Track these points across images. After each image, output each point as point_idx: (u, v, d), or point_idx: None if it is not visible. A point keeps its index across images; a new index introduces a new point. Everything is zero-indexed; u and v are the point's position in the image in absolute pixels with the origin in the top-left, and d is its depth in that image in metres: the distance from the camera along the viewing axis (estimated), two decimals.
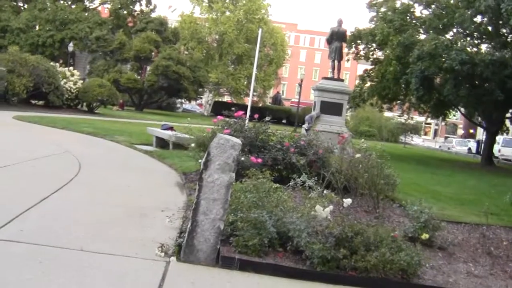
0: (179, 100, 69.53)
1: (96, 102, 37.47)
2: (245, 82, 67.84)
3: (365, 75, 36.29)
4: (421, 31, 31.60)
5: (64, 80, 35.61)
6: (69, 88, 35.92)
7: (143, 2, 62.97)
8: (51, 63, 36.09)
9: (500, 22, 27.55)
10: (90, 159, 13.10)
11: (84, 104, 38.71)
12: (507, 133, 44.64)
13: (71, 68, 40.83)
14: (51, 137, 17.70)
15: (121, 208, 7.92)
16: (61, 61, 45.42)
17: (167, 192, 9.87)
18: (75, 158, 12.60)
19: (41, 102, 35.44)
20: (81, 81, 38.53)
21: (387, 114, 59.06)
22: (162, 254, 5.81)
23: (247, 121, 12.90)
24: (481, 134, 54.22)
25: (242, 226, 6.21)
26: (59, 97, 34.22)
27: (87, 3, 63.38)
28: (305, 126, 20.54)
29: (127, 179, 10.85)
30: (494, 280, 6.54)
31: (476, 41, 31.04)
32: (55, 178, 9.66)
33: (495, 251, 7.84)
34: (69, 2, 61.19)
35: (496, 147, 40.51)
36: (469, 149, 56.18)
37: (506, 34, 29.28)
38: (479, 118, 35.99)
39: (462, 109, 34.60)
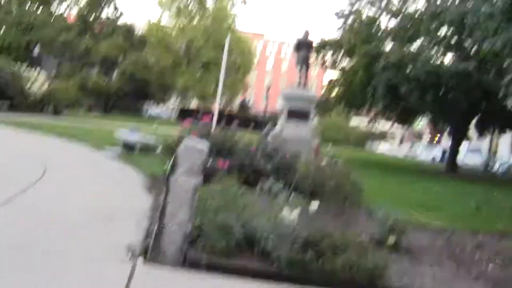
0: (146, 105, 69.26)
1: (62, 105, 37.15)
2: (212, 89, 67.80)
3: (332, 82, 36.50)
4: (387, 42, 31.93)
5: (30, 84, 35.25)
6: (34, 91, 35.56)
7: (111, 9, 62.76)
8: (17, 67, 35.74)
9: (464, 35, 28.01)
10: (55, 162, 12.95)
11: (50, 107, 38.35)
12: (471, 141, 45.24)
13: (37, 71, 40.44)
14: (16, 140, 17.49)
15: (87, 211, 7.84)
16: (27, 65, 44.99)
17: (134, 195, 9.80)
18: (40, 161, 12.44)
19: (6, 105, 34.99)
20: (47, 84, 38.17)
21: (354, 121, 59.52)
22: (129, 256, 5.77)
23: (214, 126, 12.91)
24: (446, 141, 54.87)
25: (209, 230, 6.19)
26: (25, 100, 33.86)
27: (53, 8, 62.86)
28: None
29: (94, 182, 10.76)
30: (459, 283, 6.61)
31: (440, 53, 31.48)
32: (19, 181, 9.52)
33: (460, 254, 7.94)
34: (35, 7, 60.60)
35: (460, 154, 41.04)
36: (433, 158, 56.80)
37: (470, 46, 29.75)
38: (445, 125, 36.42)
39: (429, 116, 34.99)
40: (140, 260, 5.71)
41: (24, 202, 8.00)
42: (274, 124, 20.91)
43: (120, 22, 62.10)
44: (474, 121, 32.32)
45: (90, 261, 5.56)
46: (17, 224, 6.64)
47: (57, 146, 17.25)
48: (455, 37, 29.29)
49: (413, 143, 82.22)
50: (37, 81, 36.48)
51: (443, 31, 29.49)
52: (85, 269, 5.33)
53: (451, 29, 27.80)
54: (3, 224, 6.54)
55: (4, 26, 57.02)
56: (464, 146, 43.91)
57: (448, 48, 30.72)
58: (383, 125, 54.72)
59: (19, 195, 8.35)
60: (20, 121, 25.41)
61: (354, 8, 33.15)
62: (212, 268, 5.71)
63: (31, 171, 10.87)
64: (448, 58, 31.34)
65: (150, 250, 5.79)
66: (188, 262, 5.75)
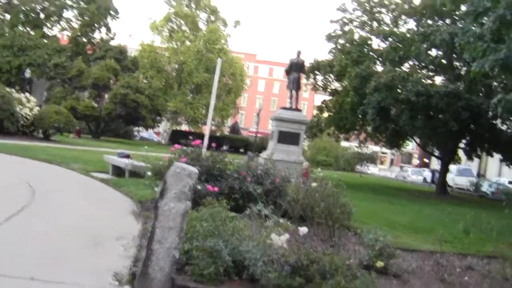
0: (137, 128, 69.16)
1: (52, 129, 37.00)
2: (204, 111, 67.83)
3: (323, 105, 36.65)
4: (378, 63, 32.18)
5: (20, 107, 35.14)
6: (24, 115, 35.44)
7: (103, 30, 62.88)
8: (7, 89, 35.66)
9: (454, 55, 28.26)
10: (44, 187, 12.92)
11: (40, 131, 38.20)
12: (460, 163, 45.45)
13: (27, 94, 40.36)
14: (4, 164, 17.43)
15: (75, 236, 7.81)
16: (17, 87, 44.90)
17: (122, 221, 9.77)
18: (29, 186, 12.40)
19: None
20: (38, 108, 38.06)
21: (344, 144, 59.65)
22: (116, 283, 5.76)
23: (204, 149, 12.90)
24: (435, 163, 55.07)
25: (197, 255, 6.19)
26: (14, 123, 33.73)
27: (46, 29, 62.96)
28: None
29: (82, 207, 10.73)
30: None
31: (431, 73, 31.77)
32: (8, 205, 9.49)
33: (449, 277, 7.94)
34: (28, 28, 60.68)
35: (450, 176, 41.18)
36: (424, 178, 56.94)
37: (459, 67, 30.03)
38: (434, 148, 36.57)
39: (417, 139, 35.12)
40: (127, 287, 5.69)
41: (12, 226, 7.97)
42: (264, 147, 20.94)
43: (113, 43, 62.17)
44: (462, 143, 32.47)
45: (76, 287, 5.54)
46: (4, 249, 6.61)
47: (46, 171, 17.19)
48: (445, 58, 29.59)
49: (403, 165, 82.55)
50: (28, 104, 36.38)
51: (433, 52, 29.79)
52: None
53: (442, 50, 28.05)
54: None
55: None
56: (453, 167, 44.16)
57: (438, 69, 31.01)
58: (373, 147, 55.00)
59: (8, 219, 8.32)
60: (9, 145, 25.34)
61: (346, 28, 33.45)
62: None
63: (20, 196, 10.84)
64: (439, 80, 31.64)
65: (138, 277, 5.76)
66: None
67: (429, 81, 30.12)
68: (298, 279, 5.88)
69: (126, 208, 11.37)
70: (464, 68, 28.88)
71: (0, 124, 33.29)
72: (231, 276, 6.22)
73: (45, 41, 59.60)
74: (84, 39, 62.55)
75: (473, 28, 16.55)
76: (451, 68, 29.94)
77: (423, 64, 30.82)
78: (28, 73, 53.33)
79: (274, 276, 5.84)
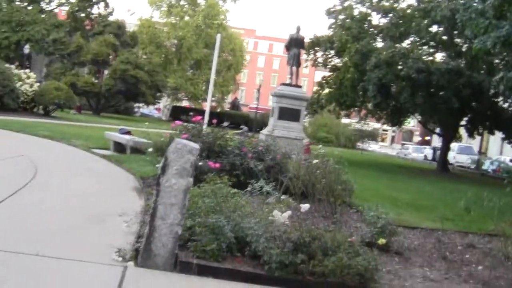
0: (137, 104, 69.07)
1: (52, 105, 36.95)
2: (204, 87, 67.72)
3: (323, 81, 36.58)
4: (379, 39, 32.04)
5: (20, 83, 35.06)
6: (25, 91, 35.35)
7: (101, 5, 62.49)
8: (6, 65, 35.55)
9: (455, 32, 28.10)
10: (46, 163, 12.92)
11: (41, 107, 38.14)
12: (461, 140, 45.45)
13: (27, 70, 40.22)
14: (6, 140, 17.42)
15: (78, 213, 7.82)
16: (16, 63, 44.69)
17: (124, 197, 9.78)
18: (31, 162, 12.41)
19: None
20: (38, 84, 37.95)
21: (345, 120, 59.64)
22: (120, 259, 5.76)
23: (205, 126, 12.88)
24: (436, 141, 55.08)
25: (200, 231, 6.19)
26: (15, 99, 33.67)
27: (43, 5, 62.55)
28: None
29: (84, 183, 10.74)
30: (449, 284, 6.64)
31: (432, 50, 31.63)
32: (10, 182, 9.51)
33: (450, 255, 7.96)
34: (25, 4, 60.29)
35: (451, 154, 41.22)
36: (425, 156, 56.96)
37: (461, 44, 29.87)
38: (435, 125, 36.55)
39: (418, 117, 35.07)
40: (130, 263, 5.70)
41: (15, 203, 7.98)
42: (264, 124, 20.92)
43: (111, 18, 61.83)
44: (464, 121, 32.46)
45: (80, 264, 5.55)
46: (9, 225, 6.62)
47: (47, 147, 17.18)
48: (447, 35, 29.44)
49: (404, 142, 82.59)
50: (27, 80, 36.29)
51: (434, 28, 29.64)
52: (75, 272, 5.31)
53: (443, 26, 27.91)
54: None
55: None
56: (455, 145, 44.17)
57: (439, 45, 30.87)
58: (374, 124, 54.94)
59: (11, 196, 8.33)
60: (10, 121, 25.31)
61: (346, 4, 33.23)
62: (203, 271, 5.71)
63: (23, 172, 10.84)
64: (439, 56, 31.51)
65: (141, 254, 5.77)
66: (179, 265, 5.74)
67: (430, 58, 30.01)
68: (300, 256, 5.88)
69: (128, 184, 11.36)
70: (466, 45, 28.76)
71: (1, 100, 33.22)
72: (233, 253, 6.23)
73: (43, 16, 59.24)
74: (82, 14, 62.17)
75: (475, 4, 16.45)
76: (452, 44, 29.79)
77: (424, 41, 30.69)
78: (27, 49, 53.08)
79: (276, 253, 5.84)
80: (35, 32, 55.45)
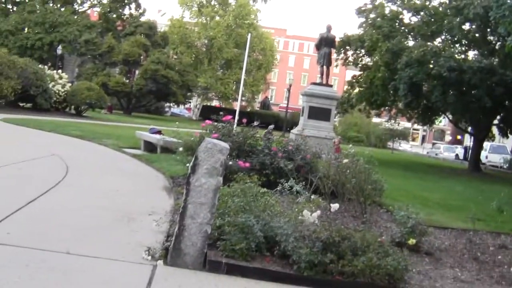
0: (168, 104, 69.43)
1: (84, 105, 37.37)
2: (234, 87, 67.89)
3: (354, 81, 36.37)
4: (410, 37, 31.76)
5: (52, 83, 35.51)
6: (57, 91, 35.81)
7: (133, 6, 62.95)
8: (40, 66, 36.03)
9: (488, 29, 27.75)
10: (77, 162, 13.07)
11: (72, 107, 38.58)
12: (494, 140, 44.87)
13: (59, 71, 40.76)
14: (39, 140, 17.65)
15: (108, 211, 7.89)
16: (49, 64, 45.33)
17: (154, 196, 9.84)
18: (63, 161, 12.56)
19: (29, 105, 35.27)
20: (70, 84, 38.42)
21: (375, 120, 59.28)
22: (149, 257, 5.79)
23: (235, 125, 12.90)
24: (468, 140, 54.50)
25: (229, 230, 6.20)
26: (47, 100, 34.12)
27: (76, 6, 63.26)
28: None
29: (115, 182, 10.83)
30: (481, 286, 6.56)
31: (464, 48, 31.25)
32: (42, 181, 9.62)
33: (482, 256, 7.88)
34: (59, 5, 60.99)
35: (483, 154, 40.72)
36: (457, 155, 56.36)
37: (494, 42, 29.47)
38: (467, 124, 36.15)
39: (450, 116, 34.71)
40: (160, 262, 5.73)
41: (47, 201, 8.08)
42: (294, 123, 20.87)
43: (142, 19, 62.29)
44: (496, 120, 32.06)
45: (110, 262, 5.60)
46: (40, 223, 6.71)
47: (79, 147, 17.37)
48: (479, 33, 29.07)
49: (435, 141, 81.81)
50: (60, 81, 36.73)
51: (467, 26, 29.28)
52: (105, 271, 5.36)
53: (475, 24, 27.57)
54: (26, 223, 6.61)
55: (28, 26, 57.46)
56: (487, 144, 43.62)
57: (471, 43, 30.50)
58: (404, 123, 54.51)
59: (43, 194, 8.45)
60: (43, 121, 25.63)
61: (376, 2, 32.95)
62: (231, 270, 5.72)
63: (55, 172, 10.98)
64: (472, 54, 31.13)
65: (171, 253, 5.80)
66: (208, 264, 5.76)
67: (462, 56, 29.67)
68: (329, 256, 5.86)
69: (158, 183, 11.44)
70: (499, 43, 28.36)
71: (34, 100, 33.72)
72: (262, 252, 6.23)
73: (76, 17, 59.88)
74: (114, 15, 62.70)
75: (509, 1, 16.22)
76: (485, 42, 29.39)
77: (455, 39, 30.33)
78: (59, 50, 53.70)
79: (305, 252, 5.83)
80: (68, 33, 56.07)
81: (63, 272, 5.09)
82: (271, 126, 13.67)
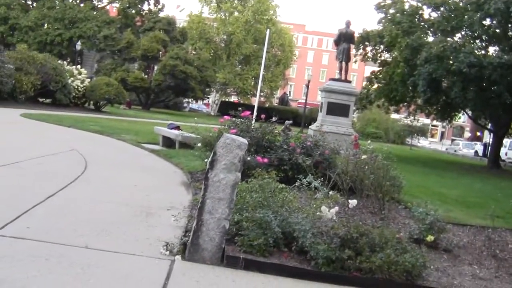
0: (186, 99, 69.61)
1: (103, 100, 37.58)
2: (252, 83, 67.92)
3: (373, 76, 36.26)
4: (429, 33, 31.56)
5: (72, 79, 35.75)
6: (76, 87, 36.06)
7: (152, 2, 63.15)
8: (59, 62, 36.29)
9: (509, 25, 27.50)
10: (96, 157, 13.15)
11: (91, 102, 38.85)
12: None
13: (78, 66, 41.00)
14: (58, 135, 17.77)
15: (127, 206, 7.93)
16: (68, 60, 45.65)
17: (173, 191, 9.87)
18: (82, 157, 12.64)
19: (48, 100, 35.54)
20: (89, 80, 38.65)
21: (394, 116, 59.00)
22: (167, 252, 5.82)
23: (253, 121, 12.91)
24: (488, 137, 54.12)
25: (247, 226, 6.23)
26: (66, 95, 34.36)
27: (95, 1, 63.62)
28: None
29: (133, 177, 10.87)
30: (499, 283, 6.52)
31: (484, 44, 31.00)
32: (62, 176, 9.69)
33: (501, 253, 7.83)
34: (78, 1, 61.34)
35: (503, 150, 40.45)
36: (476, 152, 56.05)
37: None
38: (486, 121, 35.89)
39: (469, 112, 34.47)
40: (178, 257, 5.75)
41: (66, 196, 8.13)
42: (313, 119, 20.83)
43: (161, 14, 62.47)
44: None
45: (128, 257, 5.62)
46: (59, 218, 6.75)
47: (97, 142, 17.46)
48: (500, 28, 28.81)
49: (454, 138, 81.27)
50: (79, 76, 36.96)
51: (487, 21, 29.02)
52: (123, 265, 5.39)
53: (496, 19, 27.31)
54: (46, 217, 6.66)
55: (47, 21, 57.86)
56: (507, 141, 43.29)
57: (492, 39, 30.23)
58: (423, 120, 54.21)
59: (62, 189, 8.51)
60: (62, 116, 25.81)
61: None
62: (249, 266, 5.73)
63: (73, 167, 11.05)
64: (492, 50, 30.87)
65: (189, 248, 5.82)
66: (226, 259, 5.78)
67: (482, 52, 29.42)
68: (347, 252, 5.86)
69: (176, 178, 11.48)
70: None
71: (53, 96, 33.96)
72: (280, 248, 6.24)
73: (95, 13, 60.19)
74: (133, 11, 62.93)
75: None
76: (505, 38, 29.11)
77: (476, 34, 30.08)
78: (79, 45, 54.03)
79: (323, 248, 5.83)
80: (87, 29, 56.41)
81: (81, 266, 5.12)
82: (288, 122, 13.66)
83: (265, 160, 10.20)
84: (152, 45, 53.78)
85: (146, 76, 55.45)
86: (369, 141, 13.13)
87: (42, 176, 9.56)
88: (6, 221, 6.21)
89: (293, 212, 6.81)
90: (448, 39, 28.28)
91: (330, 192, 8.31)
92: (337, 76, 23.49)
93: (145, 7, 63.32)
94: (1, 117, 22.08)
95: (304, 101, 64.80)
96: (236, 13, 70.26)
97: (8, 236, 5.73)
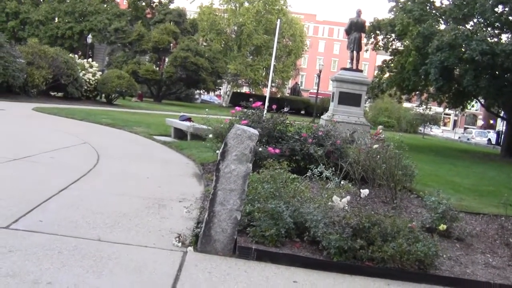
0: (198, 91, 69.70)
1: (114, 93, 37.68)
2: (264, 73, 67.76)
3: (384, 65, 36.14)
4: (441, 21, 31.36)
5: (83, 72, 35.89)
6: (87, 80, 36.19)
7: None
8: (70, 55, 36.47)
9: None
10: (108, 150, 13.20)
11: (103, 95, 38.99)
12: None
13: (89, 59, 41.11)
14: (70, 128, 17.83)
15: (139, 198, 7.96)
16: (80, 53, 45.76)
17: (185, 183, 9.89)
18: (94, 149, 12.69)
19: (60, 94, 35.67)
20: (100, 73, 38.78)
21: (406, 105, 58.75)
22: (180, 244, 5.83)
23: (265, 112, 12.89)
24: (501, 125, 53.80)
25: (259, 217, 6.23)
26: (78, 88, 34.49)
27: None
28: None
29: (146, 170, 10.90)
30: None
31: (496, 31, 30.75)
32: (74, 169, 9.73)
33: None
34: None
35: None
36: (489, 140, 55.78)
37: None
38: (499, 109, 35.66)
39: (482, 100, 34.27)
40: (190, 249, 5.77)
41: (79, 188, 8.16)
42: (324, 109, 20.83)
43: (172, 6, 62.47)
44: None
45: (140, 249, 5.64)
46: (72, 211, 6.78)
47: (109, 135, 17.53)
48: None
49: (467, 126, 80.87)
50: (90, 70, 37.07)
51: (499, 8, 28.78)
52: (136, 257, 5.40)
53: (509, 6, 27.08)
54: (58, 210, 6.69)
55: (58, 15, 58.02)
56: None
57: (504, 26, 29.98)
58: (436, 108, 53.96)
59: (75, 182, 8.54)
60: (74, 109, 25.89)
61: None
62: (261, 256, 5.74)
63: (86, 159, 11.09)
64: (505, 38, 30.62)
65: (201, 239, 5.83)
66: (238, 250, 5.78)
67: (495, 39, 29.20)
68: (359, 241, 5.84)
69: (188, 170, 11.51)
70: None
71: (65, 89, 34.08)
72: (292, 238, 6.25)
73: (105, 6, 60.29)
74: (143, 3, 62.96)
75: None
76: None
77: (488, 22, 29.84)
78: (89, 39, 54.16)
79: (335, 238, 5.82)
80: (98, 22, 56.58)
81: (94, 259, 5.15)
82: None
83: (277, 150, 10.20)
84: (162, 37, 53.84)
85: (157, 68, 55.55)
86: (381, 130, 13.10)
87: (55, 170, 9.61)
88: (19, 215, 6.25)
89: (305, 202, 6.81)
90: (460, 27, 28.08)
91: (342, 182, 8.31)
92: (348, 66, 23.44)
93: None
94: (14, 111, 22.19)
95: (315, 91, 64.71)
96: (246, 4, 70.07)
97: (21, 229, 5.76)
